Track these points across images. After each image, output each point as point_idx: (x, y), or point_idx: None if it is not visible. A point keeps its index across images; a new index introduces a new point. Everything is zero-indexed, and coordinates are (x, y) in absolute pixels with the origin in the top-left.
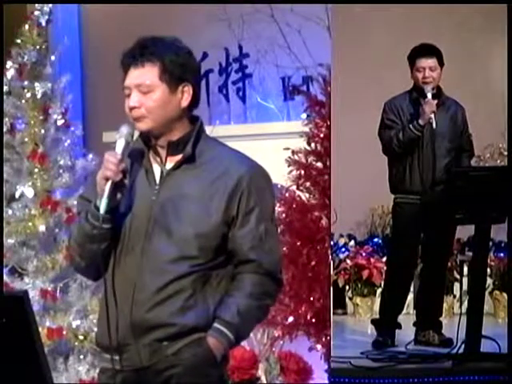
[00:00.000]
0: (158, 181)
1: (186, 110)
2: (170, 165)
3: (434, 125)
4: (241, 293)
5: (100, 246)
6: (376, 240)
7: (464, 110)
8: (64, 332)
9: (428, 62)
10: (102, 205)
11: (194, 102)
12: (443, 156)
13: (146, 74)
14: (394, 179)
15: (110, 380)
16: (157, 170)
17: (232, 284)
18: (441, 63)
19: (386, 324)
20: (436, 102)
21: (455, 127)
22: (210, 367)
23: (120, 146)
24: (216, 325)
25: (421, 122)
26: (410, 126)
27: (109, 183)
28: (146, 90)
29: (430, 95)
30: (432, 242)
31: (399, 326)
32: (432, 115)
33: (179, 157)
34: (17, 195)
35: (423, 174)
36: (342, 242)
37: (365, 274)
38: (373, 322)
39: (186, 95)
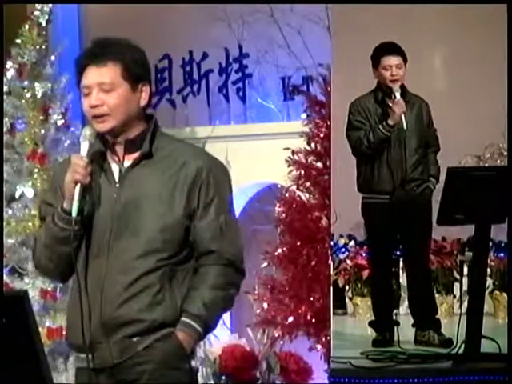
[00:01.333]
0: (117, 179)
1: (143, 109)
2: (128, 163)
3: (405, 125)
4: (205, 285)
5: (69, 248)
6: None
7: (428, 105)
8: (64, 332)
9: (395, 60)
10: (74, 208)
11: (149, 101)
12: (412, 154)
13: (108, 73)
14: (361, 179)
15: (86, 379)
16: (115, 168)
17: (196, 277)
18: (405, 61)
19: (382, 323)
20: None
21: (421, 124)
22: (181, 361)
23: (84, 148)
24: (184, 319)
25: (390, 122)
26: (380, 126)
27: (78, 186)
28: (109, 88)
29: (398, 95)
30: (409, 241)
31: (397, 323)
32: (402, 115)
33: (137, 154)
34: (17, 195)
35: (393, 174)
36: (342, 242)
37: (365, 274)
38: (370, 324)
39: (144, 94)
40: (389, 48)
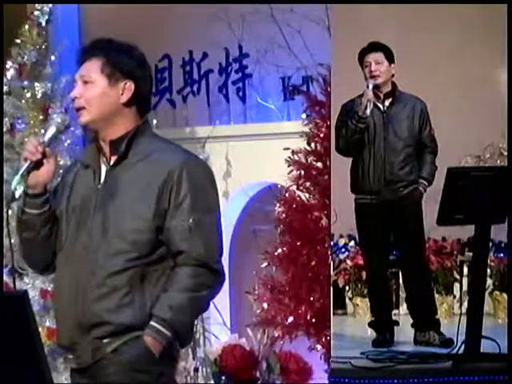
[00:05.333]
0: (102, 179)
1: (131, 108)
2: (112, 163)
3: (368, 112)
4: (174, 287)
5: (30, 234)
6: None
7: (425, 105)
8: None
9: (373, 56)
10: (14, 181)
11: (142, 102)
12: (397, 154)
13: (90, 67)
14: (352, 180)
15: (76, 379)
16: (103, 169)
17: (168, 278)
18: (389, 59)
19: (382, 323)
20: (372, 92)
21: (411, 123)
22: (149, 365)
23: (50, 132)
24: (152, 323)
25: (359, 112)
26: (352, 120)
27: (27, 163)
28: (87, 82)
29: (371, 86)
30: (401, 242)
31: (396, 323)
32: (367, 103)
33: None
34: (17, 195)
35: (376, 174)
36: (342, 242)
37: (365, 274)
38: (370, 324)
39: (127, 91)
40: (369, 46)
